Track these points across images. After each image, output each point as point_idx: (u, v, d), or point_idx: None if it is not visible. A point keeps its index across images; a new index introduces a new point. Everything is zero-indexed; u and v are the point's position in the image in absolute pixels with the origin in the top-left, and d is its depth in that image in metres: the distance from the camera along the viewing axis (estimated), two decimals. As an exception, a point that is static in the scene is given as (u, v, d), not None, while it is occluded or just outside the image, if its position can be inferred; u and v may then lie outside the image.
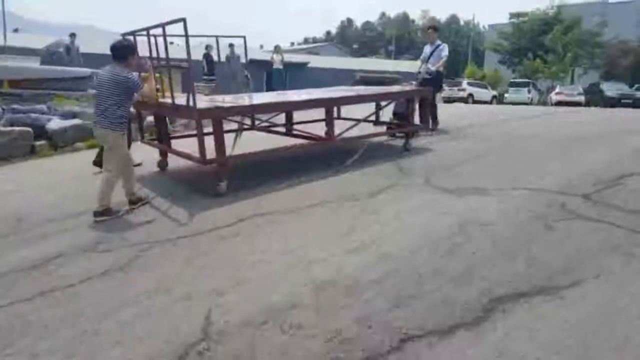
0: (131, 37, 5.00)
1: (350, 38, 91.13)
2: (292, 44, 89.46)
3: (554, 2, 35.75)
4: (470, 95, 25.81)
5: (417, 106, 7.35)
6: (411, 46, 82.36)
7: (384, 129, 7.36)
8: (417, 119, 7.65)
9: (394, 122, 7.30)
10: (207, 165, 4.83)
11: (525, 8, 39.37)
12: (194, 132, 5.16)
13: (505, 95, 28.06)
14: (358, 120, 6.65)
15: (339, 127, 6.13)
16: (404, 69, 49.20)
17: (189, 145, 5.31)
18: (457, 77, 35.59)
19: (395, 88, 8.06)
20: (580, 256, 2.98)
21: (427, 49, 8.16)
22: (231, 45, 14.63)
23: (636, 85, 25.21)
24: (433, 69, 7.86)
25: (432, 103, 8.12)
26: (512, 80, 30.80)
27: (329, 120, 5.92)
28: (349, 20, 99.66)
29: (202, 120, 4.63)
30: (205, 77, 15.23)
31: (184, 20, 4.22)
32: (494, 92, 28.53)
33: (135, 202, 4.58)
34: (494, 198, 4.24)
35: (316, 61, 40.10)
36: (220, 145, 4.70)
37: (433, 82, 7.85)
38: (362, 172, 5.55)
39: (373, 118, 7.29)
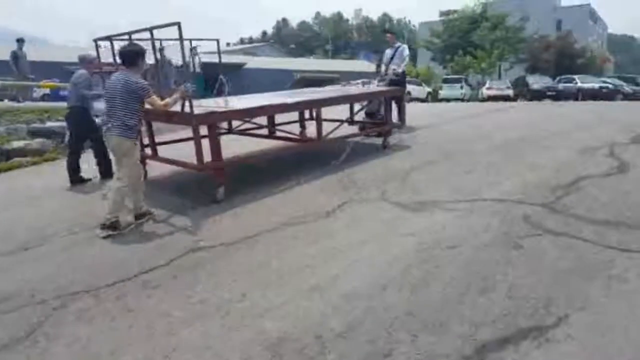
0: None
1: (287, 38, 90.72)
2: (228, 44, 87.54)
3: (479, 0, 37.47)
4: (409, 92, 26.25)
5: (393, 105, 7.48)
6: (347, 45, 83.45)
7: (357, 128, 7.51)
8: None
9: (369, 121, 7.40)
10: (203, 171, 4.77)
11: (455, 6, 40.88)
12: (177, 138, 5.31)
13: (440, 91, 28.83)
14: (341, 121, 6.78)
15: (313, 128, 6.25)
16: (342, 68, 49.73)
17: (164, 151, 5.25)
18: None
19: (373, 89, 8.26)
20: (558, 283, 2.74)
21: (388, 52, 8.38)
22: (161, 50, 13.67)
23: (558, 78, 26.79)
24: (400, 70, 8.09)
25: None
26: (445, 77, 31.76)
27: (317, 122, 5.92)
28: (285, 20, 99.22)
29: (198, 126, 4.55)
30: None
31: (178, 24, 4.15)
32: (429, 89, 29.24)
33: (142, 215, 4.38)
34: (453, 213, 3.98)
35: (254, 62, 39.31)
36: (216, 150, 4.65)
37: (399, 83, 8.05)
38: (315, 185, 5.15)
39: (350, 118, 7.36)
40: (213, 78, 5.36)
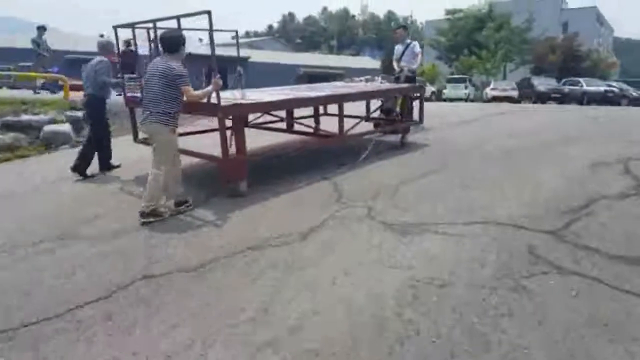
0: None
1: (293, 32, 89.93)
2: (233, 37, 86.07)
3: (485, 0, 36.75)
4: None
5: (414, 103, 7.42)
6: (352, 41, 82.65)
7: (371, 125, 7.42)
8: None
9: (387, 118, 7.28)
10: (228, 164, 4.67)
11: (461, 5, 40.14)
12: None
13: (444, 91, 28.24)
14: (360, 118, 6.71)
15: (328, 123, 6.35)
16: (347, 64, 49.09)
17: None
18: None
19: (392, 85, 8.18)
20: (568, 346, 2.22)
21: (399, 48, 8.24)
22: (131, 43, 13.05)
23: (563, 80, 26.21)
24: (414, 67, 8.07)
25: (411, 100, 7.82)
26: (449, 76, 31.18)
27: (340, 117, 5.80)
28: (291, 15, 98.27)
29: (225, 118, 4.45)
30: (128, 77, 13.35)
31: (208, 12, 4.07)
32: (433, 89, 28.64)
33: (180, 204, 4.37)
34: (446, 239, 3.46)
35: (258, 56, 38.79)
36: (241, 143, 4.58)
37: (413, 80, 8.01)
38: (299, 195, 4.64)
39: (368, 115, 7.26)
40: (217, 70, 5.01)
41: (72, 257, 3.52)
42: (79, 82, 6.94)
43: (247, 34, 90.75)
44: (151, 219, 4.09)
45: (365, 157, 6.04)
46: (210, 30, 4.20)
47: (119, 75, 6.13)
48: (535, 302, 2.58)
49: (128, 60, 14.21)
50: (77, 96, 12.04)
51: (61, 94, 10.95)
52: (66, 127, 9.00)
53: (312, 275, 3.05)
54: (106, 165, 6.09)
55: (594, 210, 3.81)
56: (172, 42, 4.15)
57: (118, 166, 6.22)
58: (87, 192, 5.37)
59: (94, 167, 6.03)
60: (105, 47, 5.91)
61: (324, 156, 6.41)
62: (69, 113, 9.52)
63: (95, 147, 5.94)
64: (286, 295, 2.82)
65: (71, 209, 4.76)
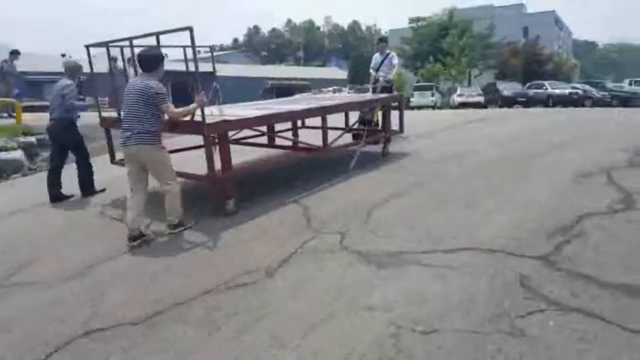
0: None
1: (259, 45, 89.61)
2: (199, 51, 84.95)
3: (445, 8, 37.43)
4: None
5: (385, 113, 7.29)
6: (319, 52, 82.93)
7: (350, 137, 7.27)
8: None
9: (370, 128, 7.15)
10: (214, 183, 4.63)
11: (423, 13, 40.76)
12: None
13: (411, 99, 28.34)
14: (344, 129, 6.76)
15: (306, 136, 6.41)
16: (314, 75, 49.02)
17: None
18: (365, 84, 35.66)
19: (369, 96, 8.08)
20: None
21: (378, 58, 8.38)
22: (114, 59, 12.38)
23: (528, 84, 26.72)
24: (390, 77, 8.22)
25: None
26: (415, 84, 31.39)
27: (323, 130, 5.78)
28: (256, 27, 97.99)
29: (210, 135, 4.38)
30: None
31: (190, 29, 3.97)
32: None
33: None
34: (429, 271, 3.08)
35: (224, 70, 38.22)
36: (227, 160, 4.51)
37: (389, 90, 8.12)
38: (266, 223, 4.19)
39: (350, 126, 7.24)
40: (178, 87, 4.78)
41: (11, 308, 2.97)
42: (37, 103, 6.41)
43: (213, 48, 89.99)
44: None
45: (353, 168, 6.00)
46: (193, 47, 4.11)
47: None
48: (537, 351, 2.21)
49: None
50: (32, 119, 11.34)
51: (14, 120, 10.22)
52: (18, 154, 8.31)
53: (280, 326, 2.61)
54: (90, 191, 5.89)
55: (583, 229, 3.52)
56: (150, 61, 4.06)
57: (103, 190, 5.98)
58: (27, 230, 4.78)
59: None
60: (72, 70, 5.69)
61: (301, 171, 6.14)
62: (22, 139, 8.82)
63: (84, 169, 5.80)
64: (249, 355, 2.37)
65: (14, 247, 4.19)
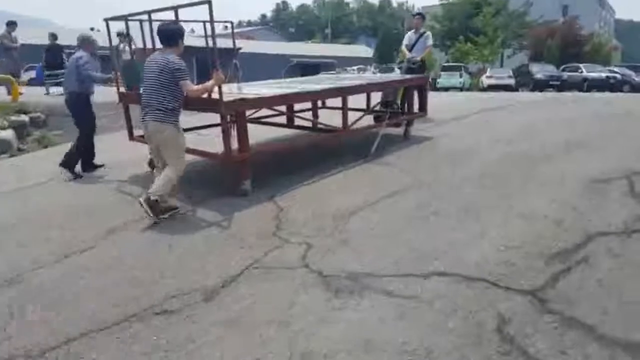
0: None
1: (286, 21, 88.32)
2: (226, 27, 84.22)
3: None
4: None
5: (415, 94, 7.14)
6: (347, 29, 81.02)
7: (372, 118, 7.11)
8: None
9: (387, 111, 6.81)
10: (230, 162, 4.57)
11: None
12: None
13: (438, 80, 27.16)
14: (364, 111, 6.62)
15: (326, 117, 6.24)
16: (340, 53, 47.80)
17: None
18: (390, 63, 34.50)
19: (392, 77, 8.23)
20: None
21: (412, 37, 7.92)
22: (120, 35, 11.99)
23: (562, 67, 25.14)
24: (418, 58, 7.73)
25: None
26: (443, 64, 30.07)
27: (344, 111, 5.62)
28: (284, 3, 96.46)
29: (227, 114, 4.30)
30: (49, 74, 12.01)
31: (209, 2, 3.84)
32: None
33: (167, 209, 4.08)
34: (391, 304, 2.57)
35: (249, 46, 37.72)
36: (244, 140, 4.40)
37: (417, 71, 7.60)
38: (228, 227, 3.75)
39: (371, 108, 7.02)
40: (205, 63, 4.71)
41: None
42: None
43: (240, 24, 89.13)
44: (167, 215, 4.00)
45: (376, 149, 5.79)
46: (211, 22, 3.98)
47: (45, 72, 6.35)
48: None
49: (52, 56, 12.73)
50: (33, 96, 11.20)
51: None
52: (7, 134, 8.11)
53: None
54: (91, 166, 5.88)
55: (589, 255, 2.92)
56: (170, 35, 3.96)
57: (102, 165, 5.98)
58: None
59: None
60: (84, 41, 5.64)
61: (315, 154, 5.93)
62: (13, 117, 8.63)
63: (82, 146, 5.70)
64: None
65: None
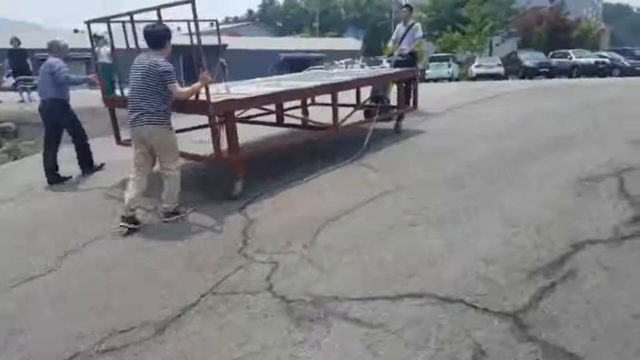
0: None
1: (273, 16, 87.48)
2: (212, 24, 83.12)
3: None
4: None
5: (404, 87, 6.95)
6: (335, 22, 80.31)
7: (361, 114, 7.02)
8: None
9: (378, 105, 6.74)
10: (220, 164, 4.59)
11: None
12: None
13: (427, 71, 26.87)
14: (354, 106, 6.54)
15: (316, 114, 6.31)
16: (329, 46, 47.26)
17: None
18: (378, 56, 34.11)
19: (381, 71, 8.01)
20: None
21: (401, 29, 7.83)
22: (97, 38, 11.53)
23: (551, 53, 24.93)
24: (406, 51, 7.62)
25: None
26: (432, 55, 29.78)
27: (334, 107, 5.53)
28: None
29: (216, 115, 4.20)
30: (20, 79, 11.65)
31: (192, 1, 3.77)
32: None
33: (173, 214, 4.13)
34: (357, 333, 2.31)
35: (236, 43, 37.20)
36: (234, 141, 4.34)
37: (407, 64, 7.46)
38: (194, 242, 3.46)
39: (361, 103, 6.95)
40: (192, 62, 4.50)
41: None
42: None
43: (227, 20, 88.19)
44: (173, 218, 4.02)
45: (367, 145, 5.64)
46: (195, 21, 3.88)
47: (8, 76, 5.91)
48: None
49: (16, 61, 12.29)
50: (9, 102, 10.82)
51: None
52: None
53: None
54: (89, 169, 5.83)
55: (576, 267, 2.66)
56: (157, 37, 3.88)
57: (102, 165, 5.95)
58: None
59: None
60: (55, 47, 5.46)
61: (302, 152, 5.76)
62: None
63: (82, 149, 5.71)
64: None
65: None
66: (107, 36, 6.29)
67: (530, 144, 5.24)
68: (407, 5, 8.29)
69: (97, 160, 5.92)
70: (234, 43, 36.00)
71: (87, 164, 5.78)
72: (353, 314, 2.49)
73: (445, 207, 3.78)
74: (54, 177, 5.52)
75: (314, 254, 3.23)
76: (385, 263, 2.99)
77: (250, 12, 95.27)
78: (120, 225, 3.88)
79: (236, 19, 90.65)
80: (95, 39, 10.99)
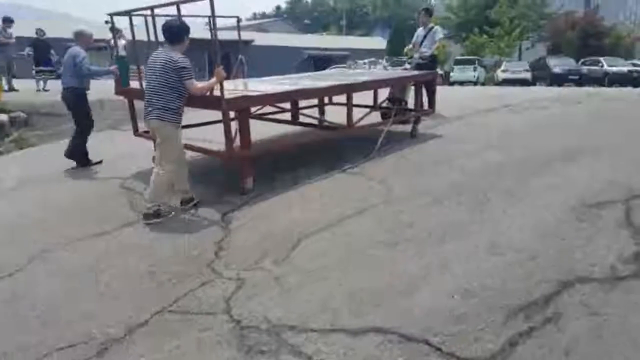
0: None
1: (301, 13, 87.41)
2: (240, 19, 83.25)
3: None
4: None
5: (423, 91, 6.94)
6: (363, 21, 79.71)
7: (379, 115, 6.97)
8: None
9: (394, 107, 6.70)
10: (231, 160, 4.58)
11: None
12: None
13: (451, 74, 26.29)
14: (371, 107, 6.48)
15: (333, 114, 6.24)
16: (354, 45, 46.87)
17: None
18: (402, 56, 33.55)
19: (400, 73, 7.88)
20: None
21: (420, 32, 7.85)
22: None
23: (582, 60, 23.99)
24: (428, 53, 7.62)
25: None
26: (457, 58, 29.12)
27: (348, 107, 5.50)
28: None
29: (229, 111, 4.23)
30: (38, 69, 11.86)
31: None
32: (440, 71, 26.65)
33: (187, 201, 4.24)
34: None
35: (262, 39, 37.27)
36: (246, 137, 4.35)
37: (427, 67, 7.50)
38: (169, 247, 3.31)
39: (378, 104, 6.95)
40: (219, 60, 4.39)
41: None
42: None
43: (255, 16, 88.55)
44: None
45: (378, 150, 5.59)
46: (212, 17, 3.86)
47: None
48: None
49: (39, 51, 12.45)
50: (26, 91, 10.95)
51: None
52: (-21, 135, 7.88)
53: None
54: (86, 161, 5.87)
55: (561, 310, 2.38)
56: (175, 33, 3.88)
57: (100, 162, 5.97)
58: None
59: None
60: (80, 35, 5.58)
61: (313, 153, 5.66)
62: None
63: (79, 139, 5.76)
64: None
65: None
66: (124, 30, 6.48)
67: (537, 159, 4.91)
68: (425, 9, 8.28)
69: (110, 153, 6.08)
70: (260, 39, 36.03)
71: (78, 155, 5.81)
72: (307, 348, 2.28)
73: (431, 225, 3.53)
74: (85, 161, 5.80)
75: (283, 273, 3.04)
76: (355, 289, 2.77)
77: (278, 8, 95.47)
78: (143, 223, 3.96)
79: (264, 15, 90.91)
80: (114, 31, 11.06)
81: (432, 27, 7.81)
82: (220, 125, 4.37)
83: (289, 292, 2.81)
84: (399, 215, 3.80)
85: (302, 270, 3.05)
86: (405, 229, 3.52)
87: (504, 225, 3.42)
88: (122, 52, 11.65)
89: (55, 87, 12.02)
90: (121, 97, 5.86)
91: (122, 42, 11.88)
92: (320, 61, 39.19)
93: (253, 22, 73.68)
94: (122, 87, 5.55)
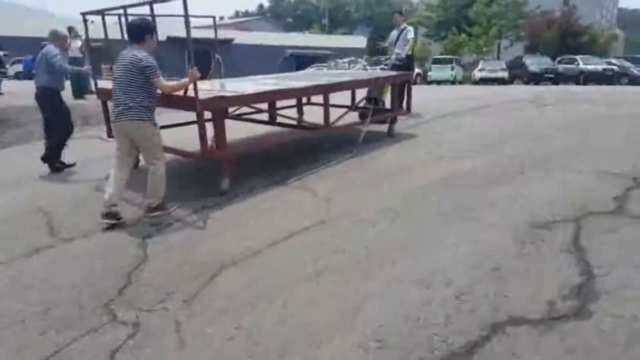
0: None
1: (284, 11, 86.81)
2: (222, 17, 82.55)
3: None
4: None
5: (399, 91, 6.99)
6: (346, 20, 79.46)
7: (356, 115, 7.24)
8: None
9: (371, 107, 6.78)
10: (205, 159, 4.65)
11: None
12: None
13: (429, 73, 26.16)
14: (348, 107, 6.57)
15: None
16: (336, 44, 46.55)
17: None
18: (381, 56, 33.37)
19: (375, 74, 8.02)
20: None
21: (394, 34, 8.10)
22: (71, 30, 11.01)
23: (558, 58, 24.05)
24: (403, 54, 7.80)
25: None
26: (435, 57, 29.04)
27: (325, 107, 5.56)
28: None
29: (203, 112, 4.23)
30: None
31: None
32: (418, 70, 26.45)
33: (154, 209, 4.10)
34: None
35: (243, 37, 36.72)
36: (221, 138, 4.36)
37: (403, 67, 7.69)
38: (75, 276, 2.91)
39: (355, 105, 6.99)
40: (198, 56, 4.32)
41: None
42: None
43: (237, 14, 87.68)
44: (157, 213, 3.99)
45: (358, 148, 5.68)
46: (186, 16, 3.83)
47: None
48: None
49: None
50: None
51: None
52: None
53: None
54: (58, 164, 5.70)
55: (490, 356, 2.06)
56: (137, 31, 3.88)
57: (74, 164, 5.82)
58: None
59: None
60: (55, 35, 5.59)
61: (286, 154, 5.68)
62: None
63: (54, 143, 5.60)
64: None
65: None
66: (77, 30, 6.35)
67: (494, 169, 4.63)
68: (398, 11, 8.59)
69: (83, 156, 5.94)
70: (241, 38, 35.51)
71: (52, 158, 5.63)
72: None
73: (364, 249, 3.18)
74: (56, 165, 5.62)
75: (189, 315, 2.65)
76: (260, 336, 2.40)
77: (260, 6, 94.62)
78: (104, 222, 3.85)
79: (246, 13, 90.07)
80: (69, 31, 10.46)
81: (405, 28, 7.98)
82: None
83: (184, 344, 2.42)
84: (330, 241, 3.39)
85: (209, 312, 2.66)
86: (334, 256, 3.15)
87: (439, 252, 3.07)
88: (76, 53, 11.06)
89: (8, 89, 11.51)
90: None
91: (77, 43, 11.27)
92: (302, 59, 38.82)
93: (234, 20, 72.85)
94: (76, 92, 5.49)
